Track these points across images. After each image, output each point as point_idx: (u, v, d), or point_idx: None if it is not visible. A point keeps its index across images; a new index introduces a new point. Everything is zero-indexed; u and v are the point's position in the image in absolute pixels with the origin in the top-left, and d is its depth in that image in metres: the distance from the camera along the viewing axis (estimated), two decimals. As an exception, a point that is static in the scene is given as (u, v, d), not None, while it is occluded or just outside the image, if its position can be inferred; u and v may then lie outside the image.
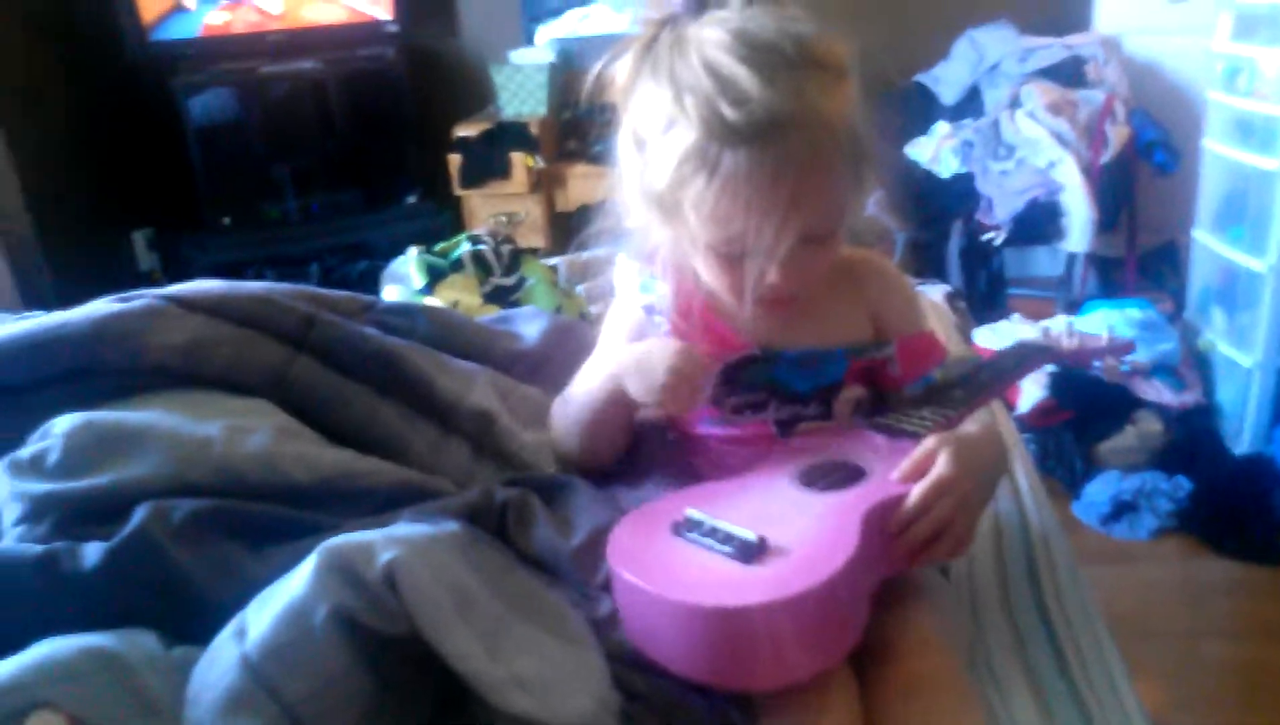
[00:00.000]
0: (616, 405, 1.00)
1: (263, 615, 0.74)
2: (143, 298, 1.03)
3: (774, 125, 0.83)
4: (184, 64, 3.32)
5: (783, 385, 1.00)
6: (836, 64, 0.88)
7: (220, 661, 0.73)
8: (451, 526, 0.85)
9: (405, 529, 0.82)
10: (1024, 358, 1.09)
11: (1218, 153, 2.67)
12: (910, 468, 0.86)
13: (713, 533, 0.82)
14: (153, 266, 3.63)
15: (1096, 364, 2.13)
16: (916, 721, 0.78)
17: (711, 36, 0.86)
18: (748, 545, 0.79)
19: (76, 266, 3.25)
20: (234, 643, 0.74)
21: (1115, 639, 0.99)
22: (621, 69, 0.93)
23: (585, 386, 1.04)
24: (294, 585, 0.75)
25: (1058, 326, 2.64)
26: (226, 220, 3.37)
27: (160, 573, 0.83)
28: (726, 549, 0.80)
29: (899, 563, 0.85)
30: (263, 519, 0.89)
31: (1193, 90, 3.08)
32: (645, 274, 1.03)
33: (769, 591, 0.75)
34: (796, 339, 1.00)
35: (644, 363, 0.95)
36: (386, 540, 0.77)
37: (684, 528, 0.84)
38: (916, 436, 0.91)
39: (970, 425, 0.96)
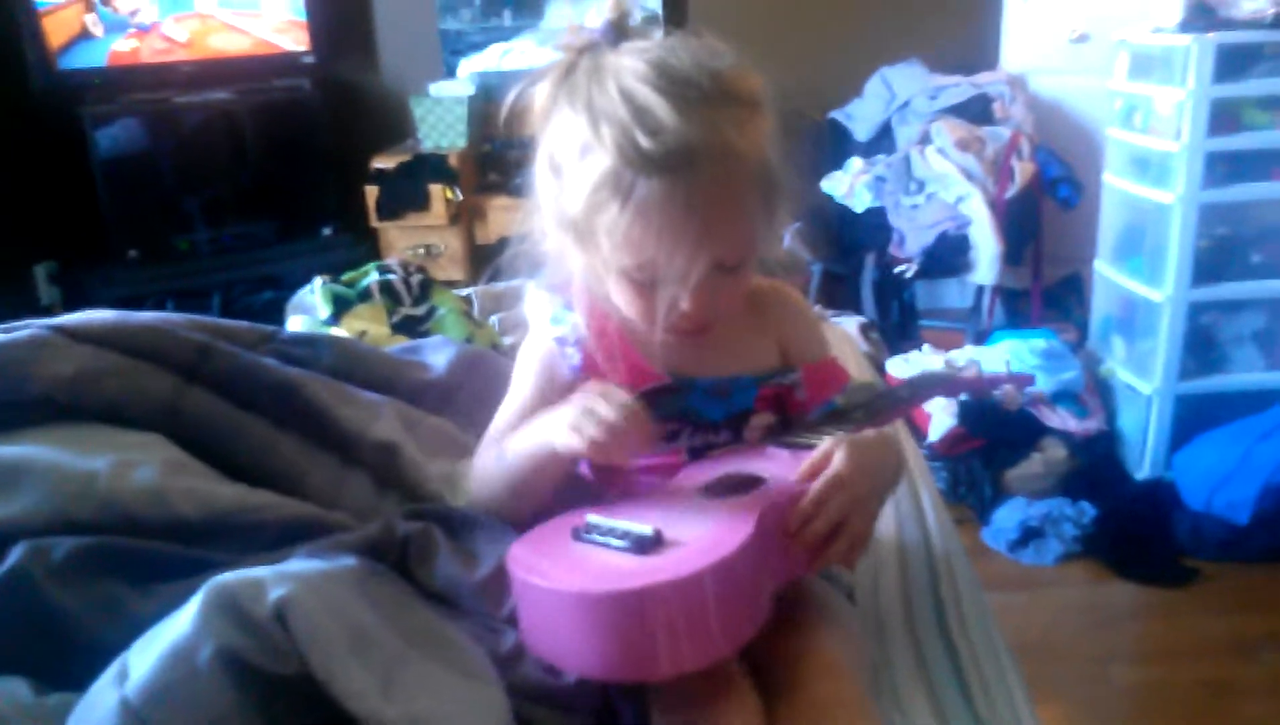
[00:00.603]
0: (551, 467, 0.96)
1: (145, 656, 0.72)
2: (28, 328, 0.99)
3: (687, 156, 0.84)
4: (92, 93, 3.24)
5: (696, 414, 1.00)
6: (751, 98, 0.90)
7: (99, 706, 0.70)
8: (348, 561, 0.83)
9: (298, 565, 0.80)
10: (923, 386, 1.12)
11: (1116, 187, 2.77)
12: (808, 467, 0.88)
13: (610, 532, 0.83)
14: (54, 301, 3.51)
15: (996, 393, 2.17)
16: None
17: (629, 66, 0.87)
18: (643, 539, 0.80)
19: (-28, 300, 3.13)
20: (114, 686, 0.71)
21: (1024, 664, 1.00)
22: (539, 94, 0.93)
23: (519, 447, 0.99)
24: (178, 624, 0.72)
25: (960, 358, 2.71)
26: (134, 252, 3.28)
27: (37, 614, 0.79)
28: (623, 544, 0.81)
29: (799, 564, 0.86)
30: (150, 556, 0.86)
31: (1094, 127, 3.20)
32: (557, 306, 1.03)
33: (660, 575, 0.76)
34: (708, 368, 1.01)
35: (582, 418, 0.90)
36: (277, 577, 0.74)
37: (583, 531, 0.85)
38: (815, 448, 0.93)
39: (867, 431, 0.98)
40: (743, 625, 0.79)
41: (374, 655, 0.74)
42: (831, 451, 0.87)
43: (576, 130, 0.88)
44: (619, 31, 0.91)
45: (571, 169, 0.90)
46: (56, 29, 3.15)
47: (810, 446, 0.93)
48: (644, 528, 0.81)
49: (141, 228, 3.32)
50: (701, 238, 0.86)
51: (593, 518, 0.86)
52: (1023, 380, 1.08)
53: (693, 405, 1.00)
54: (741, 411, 1.02)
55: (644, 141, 0.83)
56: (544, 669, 0.85)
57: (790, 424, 1.05)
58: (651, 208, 0.85)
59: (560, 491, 1.04)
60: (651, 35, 0.91)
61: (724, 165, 0.85)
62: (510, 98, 0.96)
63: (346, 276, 1.49)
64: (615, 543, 0.81)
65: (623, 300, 0.95)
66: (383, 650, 0.75)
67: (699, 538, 0.81)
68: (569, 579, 0.79)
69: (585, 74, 0.89)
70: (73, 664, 0.78)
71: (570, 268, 0.98)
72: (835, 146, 3.42)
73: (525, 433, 0.99)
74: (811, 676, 0.83)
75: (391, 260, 1.54)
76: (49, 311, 3.45)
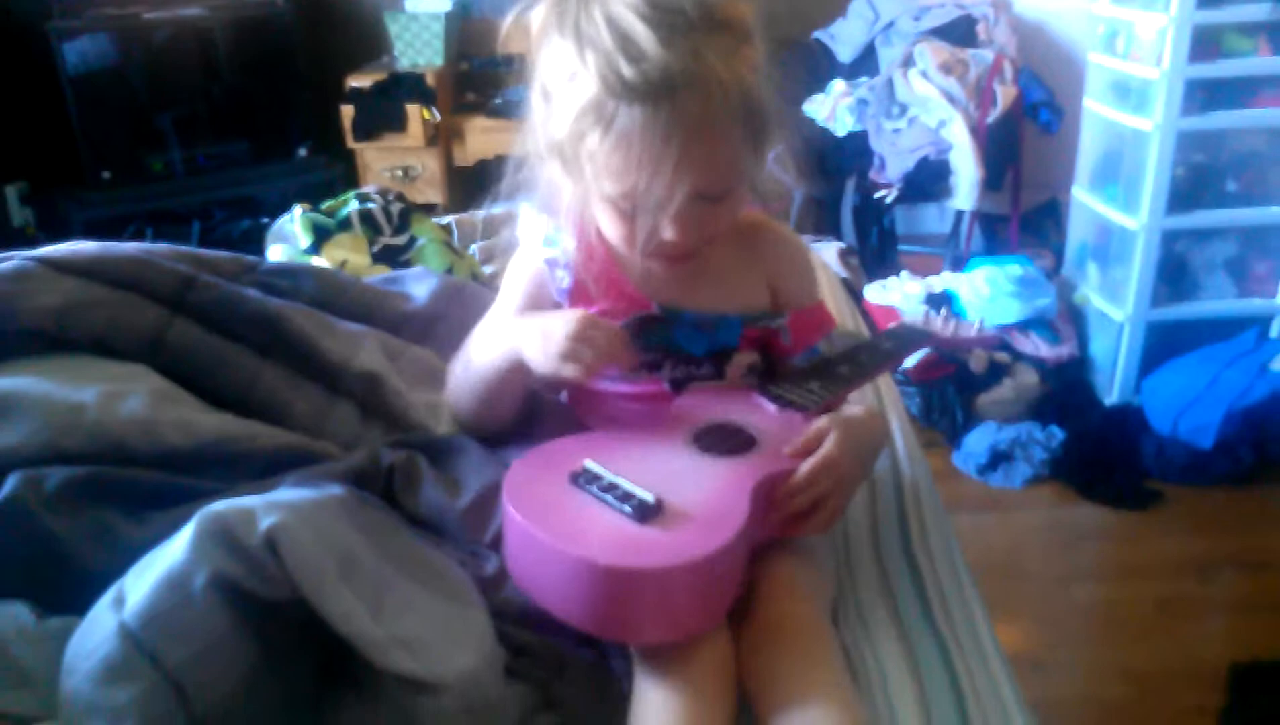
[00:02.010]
0: (515, 373, 1.00)
1: (142, 582, 0.74)
2: (11, 259, 0.99)
3: (668, 84, 0.84)
4: (58, 7, 3.15)
5: (679, 346, 1.02)
6: (739, 27, 0.90)
7: (98, 629, 0.72)
8: (335, 490, 0.85)
9: (287, 494, 0.82)
10: (903, 341, 1.14)
11: (1096, 113, 2.77)
12: (801, 445, 0.91)
13: (611, 488, 0.84)
14: (26, 221, 3.46)
15: (967, 354, 2.19)
16: (778, 661, 0.82)
17: None
18: (645, 506, 0.82)
19: (-56, 222, 3.09)
20: (112, 610, 0.73)
21: (989, 583, 1.05)
22: (535, 18, 0.94)
23: (484, 353, 1.04)
24: (173, 551, 0.74)
25: (938, 284, 2.73)
26: (106, 173, 3.23)
27: (33, 542, 0.82)
28: (625, 508, 0.82)
29: (773, 530, 0.90)
30: (141, 485, 0.88)
31: (1076, 51, 3.18)
32: (550, 228, 1.04)
33: (663, 556, 0.78)
34: (696, 300, 1.02)
35: (547, 333, 0.95)
36: (268, 505, 0.76)
37: (582, 479, 0.86)
38: (805, 410, 0.96)
39: (856, 408, 1.01)
40: (727, 596, 0.83)
41: (362, 580, 0.77)
42: (826, 431, 0.91)
43: (564, 57, 0.89)
44: None
45: (559, 95, 0.91)
46: (19, -61, 3.06)
47: (799, 405, 0.97)
48: (646, 494, 0.83)
49: (114, 147, 3.26)
50: (681, 166, 0.87)
51: (591, 465, 0.87)
52: (992, 339, 1.09)
53: (677, 337, 1.02)
54: (725, 348, 1.04)
55: (626, 69, 0.84)
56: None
57: (773, 366, 1.07)
58: (632, 135, 0.86)
59: (541, 412, 1.06)
60: None
61: (706, 95, 0.85)
62: (508, 20, 0.96)
63: (326, 205, 1.49)
64: (616, 504, 0.83)
65: (607, 226, 0.97)
66: (370, 575, 0.78)
67: (697, 511, 0.83)
68: (568, 536, 0.80)
69: (575, 1, 0.89)
70: (70, 590, 0.80)
71: (559, 192, 1.00)
72: (818, 68, 3.39)
73: (493, 342, 1.02)
74: (771, 596, 0.86)
75: (370, 188, 1.53)
76: (21, 232, 3.41)
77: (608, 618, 0.80)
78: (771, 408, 0.98)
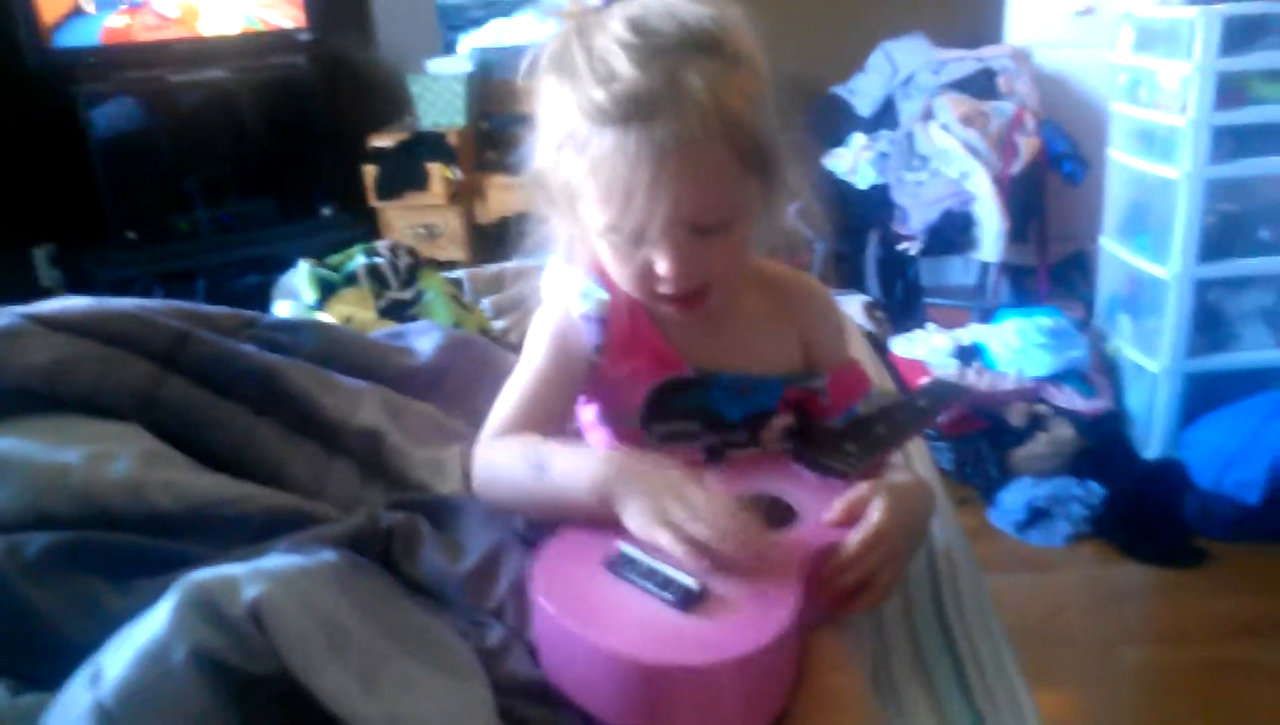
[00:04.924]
0: (592, 510, 0.86)
1: (119, 657, 0.70)
2: (1, 316, 0.97)
3: (638, 106, 0.81)
4: (86, 72, 3.21)
5: (715, 411, 0.97)
6: (731, 51, 0.85)
7: (72, 709, 0.68)
8: (328, 556, 0.81)
9: (274, 561, 0.77)
10: (938, 397, 1.08)
11: (1122, 162, 2.73)
12: (843, 511, 0.85)
13: (650, 574, 0.78)
14: (55, 283, 3.50)
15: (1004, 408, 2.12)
16: None
17: (607, 25, 0.85)
18: (688, 593, 0.76)
19: (-28, 284, 3.12)
20: (87, 688, 0.69)
21: (1031, 646, 0.99)
22: (540, 65, 0.92)
23: (569, 474, 0.88)
24: (152, 624, 0.70)
25: (966, 338, 2.67)
26: (132, 234, 3.26)
27: (11, 613, 0.78)
28: (666, 595, 0.76)
29: (822, 610, 0.84)
30: (128, 551, 0.84)
31: (1098, 101, 3.15)
32: (587, 282, 0.98)
33: (712, 652, 0.72)
34: (732, 361, 0.97)
35: (659, 493, 0.83)
36: (252, 574, 0.72)
37: (618, 564, 0.80)
38: (844, 476, 0.90)
39: (901, 474, 0.95)
40: (780, 693, 0.78)
41: (353, 654, 0.72)
42: (869, 497, 0.85)
43: (550, 91, 0.88)
44: None
45: (544, 128, 0.89)
46: (50, 5, 3.11)
47: (838, 471, 0.91)
48: (688, 580, 0.76)
49: (140, 208, 3.30)
50: (655, 191, 0.82)
51: (627, 549, 0.81)
52: (1028, 392, 1.04)
53: (713, 401, 0.97)
54: (762, 411, 0.98)
55: (597, 93, 0.82)
56: (531, 664, 0.83)
57: (810, 429, 1.02)
58: (604, 161, 0.83)
59: None
60: None
61: (680, 118, 0.81)
62: (522, 72, 0.93)
63: (333, 260, 1.46)
64: (657, 591, 0.77)
65: (609, 264, 0.93)
66: (362, 648, 0.73)
67: (744, 597, 0.76)
68: (606, 630, 0.74)
69: (567, 37, 0.88)
70: (48, 663, 0.76)
71: (569, 237, 0.96)
72: (838, 122, 3.38)
73: (585, 471, 0.88)
74: (816, 668, 0.81)
75: (380, 242, 1.51)
76: (50, 293, 3.45)
77: (650, 718, 0.74)
78: (809, 475, 0.92)
